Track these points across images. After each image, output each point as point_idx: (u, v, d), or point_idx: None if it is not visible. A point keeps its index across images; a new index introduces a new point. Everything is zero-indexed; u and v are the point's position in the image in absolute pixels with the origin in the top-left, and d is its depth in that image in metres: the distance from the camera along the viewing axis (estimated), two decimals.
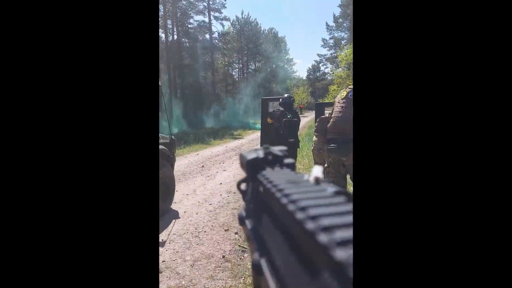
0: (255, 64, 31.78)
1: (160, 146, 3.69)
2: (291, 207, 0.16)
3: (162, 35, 20.33)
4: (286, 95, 4.62)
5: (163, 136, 3.94)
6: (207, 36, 24.70)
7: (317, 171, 0.22)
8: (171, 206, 3.90)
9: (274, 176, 0.24)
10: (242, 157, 0.31)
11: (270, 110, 5.76)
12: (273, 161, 0.28)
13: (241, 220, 0.30)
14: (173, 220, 3.49)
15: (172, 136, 4.12)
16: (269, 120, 5.47)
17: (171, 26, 21.30)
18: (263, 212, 0.25)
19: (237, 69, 31.54)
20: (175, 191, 3.89)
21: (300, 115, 4.90)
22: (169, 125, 4.59)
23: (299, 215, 0.15)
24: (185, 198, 4.25)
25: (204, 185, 4.93)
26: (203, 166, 6.50)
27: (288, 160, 0.28)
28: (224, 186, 4.85)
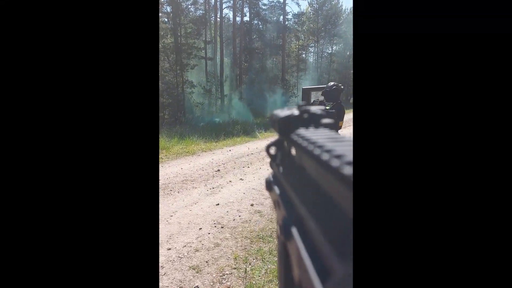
0: (331, 48, 28.69)
1: None
2: (335, 162, 0.15)
3: (230, 16, 19.41)
4: (331, 83, 3.38)
5: None
6: (281, 17, 22.90)
7: None
8: None
9: (311, 135, 0.22)
10: (274, 116, 0.29)
11: (313, 100, 4.40)
12: (310, 120, 0.26)
13: (269, 185, 0.29)
14: None
15: None
16: None
17: (241, 7, 20.15)
18: (295, 175, 0.23)
19: (312, 53, 28.99)
20: None
21: None
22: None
23: (347, 170, 0.13)
24: None
25: (192, 206, 3.49)
26: (218, 170, 5.07)
27: (327, 120, 0.26)
28: (218, 211, 3.33)
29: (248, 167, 5.30)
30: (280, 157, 0.29)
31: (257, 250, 2.51)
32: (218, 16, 19.01)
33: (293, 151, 0.24)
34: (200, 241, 2.66)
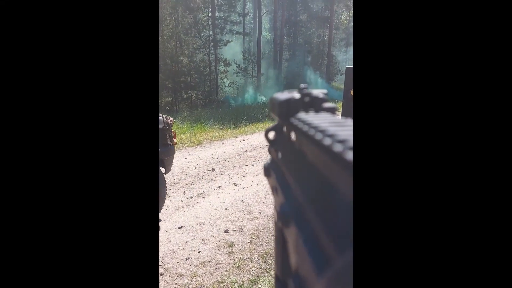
0: None
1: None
2: (337, 147, 0.14)
3: None
4: None
5: None
6: None
7: None
8: None
9: (312, 119, 0.21)
10: (273, 100, 0.28)
11: None
12: (311, 104, 0.25)
13: (267, 171, 0.29)
14: None
15: (169, 118, 2.68)
16: (352, 93, 3.01)
17: None
18: (294, 160, 0.23)
19: None
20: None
21: None
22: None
23: (350, 155, 0.13)
24: None
25: None
26: (213, 169, 4.12)
27: (329, 104, 0.25)
28: (175, 240, 2.40)
29: (253, 165, 4.27)
30: (279, 142, 0.28)
31: None
32: None
33: (293, 136, 0.23)
34: None
